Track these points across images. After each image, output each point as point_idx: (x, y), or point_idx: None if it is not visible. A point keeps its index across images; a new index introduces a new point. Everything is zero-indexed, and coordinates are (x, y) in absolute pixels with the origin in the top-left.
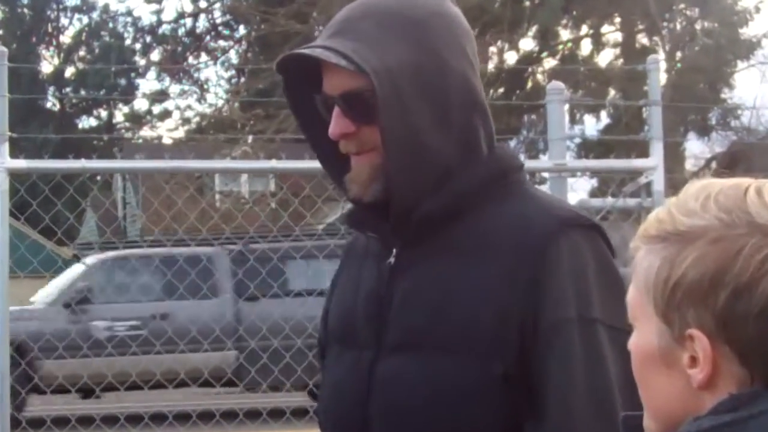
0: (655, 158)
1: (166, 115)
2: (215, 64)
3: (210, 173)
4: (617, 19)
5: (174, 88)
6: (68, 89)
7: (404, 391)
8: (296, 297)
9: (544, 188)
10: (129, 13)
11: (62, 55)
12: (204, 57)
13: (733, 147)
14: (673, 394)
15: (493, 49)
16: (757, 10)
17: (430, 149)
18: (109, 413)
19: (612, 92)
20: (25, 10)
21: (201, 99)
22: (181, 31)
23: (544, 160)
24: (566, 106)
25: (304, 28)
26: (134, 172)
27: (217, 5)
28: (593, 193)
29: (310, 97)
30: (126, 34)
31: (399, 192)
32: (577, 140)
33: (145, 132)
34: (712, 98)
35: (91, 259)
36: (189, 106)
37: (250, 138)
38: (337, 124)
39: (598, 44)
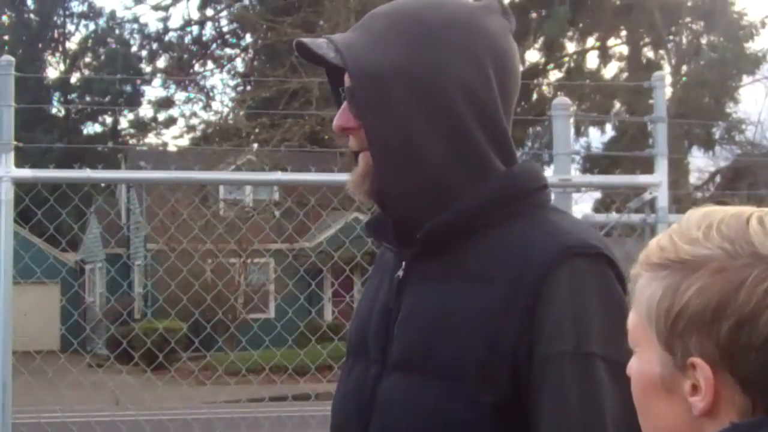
0: (660, 174)
1: (171, 122)
2: (221, 72)
3: (216, 184)
4: (623, 33)
5: (179, 96)
6: (74, 95)
7: (398, 414)
8: None
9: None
10: (135, 20)
11: (68, 61)
12: (210, 65)
13: (738, 161)
14: (674, 422)
15: None
16: (763, 25)
17: (420, 154)
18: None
19: (617, 105)
20: (32, 16)
21: (206, 107)
22: (187, 39)
23: (549, 175)
24: (571, 119)
25: (310, 37)
26: (140, 182)
27: (224, 13)
28: (597, 208)
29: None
30: (132, 41)
31: (390, 193)
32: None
33: (150, 139)
34: (717, 112)
35: None
36: (194, 114)
37: (255, 146)
38: (339, 117)
39: (604, 57)
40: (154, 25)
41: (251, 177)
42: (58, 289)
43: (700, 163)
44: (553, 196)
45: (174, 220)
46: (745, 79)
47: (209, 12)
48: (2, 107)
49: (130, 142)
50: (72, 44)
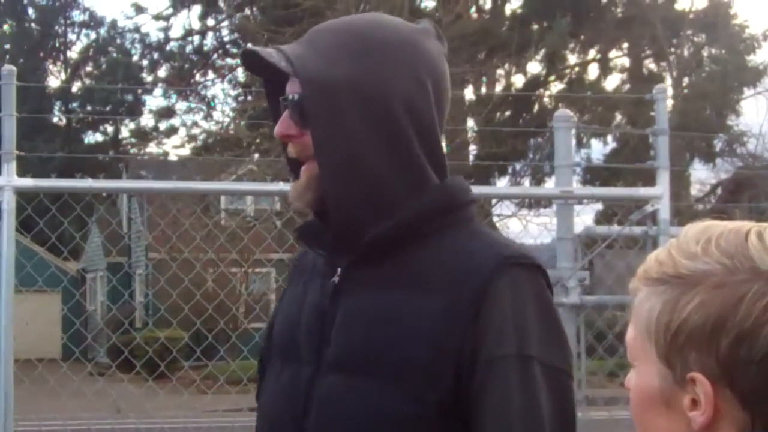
0: (661, 187)
1: (172, 131)
2: (222, 81)
3: (219, 194)
4: (625, 45)
5: (180, 105)
6: (75, 105)
7: (340, 413)
8: None
9: (550, 213)
10: (137, 29)
11: (69, 70)
12: (211, 75)
13: (739, 174)
14: None
15: (500, 72)
16: (765, 37)
17: (365, 165)
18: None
19: (618, 117)
20: (33, 25)
21: (207, 116)
22: (188, 49)
23: (550, 187)
24: (572, 131)
25: None
26: (142, 192)
27: (225, 23)
28: (598, 220)
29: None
30: (133, 51)
31: (334, 202)
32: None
33: (151, 148)
34: (719, 125)
35: None
36: (195, 124)
37: (256, 156)
38: (281, 125)
39: (606, 69)
40: (155, 35)
41: (254, 187)
42: (59, 297)
43: (702, 175)
44: (555, 208)
45: (175, 230)
46: (747, 91)
47: (210, 22)
48: (4, 116)
49: (131, 151)
50: (73, 53)
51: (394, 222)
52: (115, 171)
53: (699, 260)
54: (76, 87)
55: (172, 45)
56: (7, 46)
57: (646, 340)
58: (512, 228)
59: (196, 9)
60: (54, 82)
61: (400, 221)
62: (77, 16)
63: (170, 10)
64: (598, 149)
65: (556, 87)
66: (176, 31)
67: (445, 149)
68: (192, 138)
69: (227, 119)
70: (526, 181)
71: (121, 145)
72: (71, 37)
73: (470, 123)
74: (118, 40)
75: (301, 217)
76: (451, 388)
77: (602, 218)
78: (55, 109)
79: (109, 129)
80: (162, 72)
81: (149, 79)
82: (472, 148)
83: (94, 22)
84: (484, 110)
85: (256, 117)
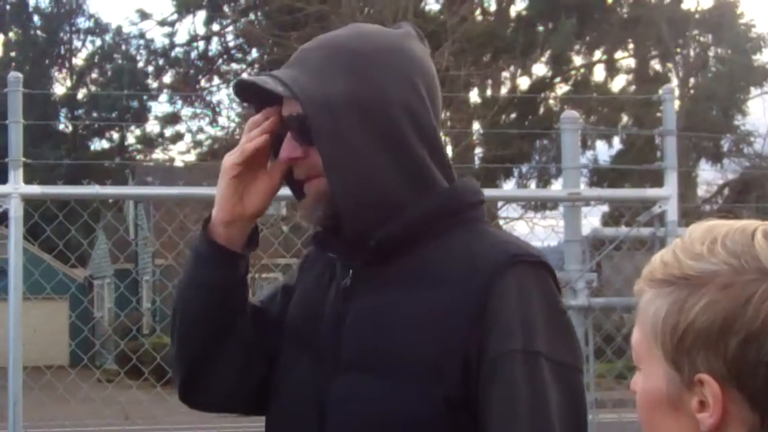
0: (669, 188)
1: (178, 137)
2: (227, 87)
3: None
4: (630, 45)
5: (186, 111)
6: (80, 111)
7: (356, 413)
8: None
9: (557, 215)
10: (142, 35)
11: (75, 77)
12: (216, 80)
13: (746, 174)
14: None
15: (505, 74)
16: None
17: (373, 174)
18: None
19: (625, 118)
20: (38, 32)
21: (213, 122)
22: (193, 54)
23: (558, 189)
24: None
25: None
26: (149, 199)
27: (230, 29)
28: (605, 221)
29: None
30: (138, 57)
31: (347, 216)
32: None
33: (157, 155)
34: (725, 125)
35: None
36: (201, 129)
37: None
38: (285, 148)
39: (611, 70)
40: (160, 41)
41: None
42: (67, 305)
43: (709, 175)
44: (562, 210)
45: (182, 236)
46: (753, 91)
47: (215, 27)
48: (11, 124)
49: (137, 157)
50: (78, 60)
51: (402, 223)
52: (122, 178)
53: (705, 261)
54: (81, 94)
55: (177, 51)
56: (13, 54)
57: (653, 343)
58: (519, 231)
59: (201, 14)
60: (59, 89)
61: (407, 222)
62: (82, 23)
63: (175, 16)
64: (604, 152)
65: (561, 89)
66: (181, 37)
67: (450, 152)
68: (198, 144)
69: (233, 125)
70: (532, 184)
71: (126, 152)
72: (76, 44)
73: (476, 125)
74: (124, 47)
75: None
76: (459, 385)
77: (610, 220)
78: (61, 116)
79: (115, 135)
80: (167, 78)
81: (154, 85)
82: (478, 151)
83: (99, 28)
84: (490, 113)
85: None
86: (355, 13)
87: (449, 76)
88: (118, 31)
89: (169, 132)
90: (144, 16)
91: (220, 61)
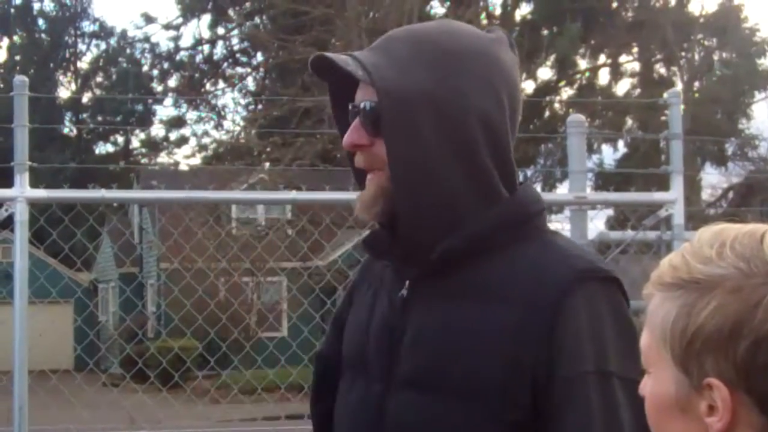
0: (675, 191)
1: (182, 141)
2: (232, 91)
3: (231, 203)
4: (635, 49)
5: (191, 115)
6: (85, 115)
7: (415, 431)
8: None
9: (563, 219)
10: (146, 39)
11: (79, 81)
12: (221, 84)
13: (751, 178)
14: None
15: None
16: None
17: (438, 177)
18: None
19: (629, 122)
20: (43, 36)
21: (218, 126)
22: (198, 58)
23: (564, 193)
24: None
25: None
26: (154, 203)
27: (235, 32)
28: (611, 224)
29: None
30: (143, 61)
31: (405, 216)
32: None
33: (162, 158)
34: (730, 129)
35: None
36: (206, 133)
37: (267, 165)
38: (350, 134)
39: (616, 74)
40: (165, 45)
41: (267, 196)
42: (71, 308)
43: (713, 179)
44: (568, 213)
45: (188, 240)
46: (758, 95)
47: (220, 31)
48: (17, 127)
49: (142, 161)
50: (83, 64)
51: (465, 235)
52: (126, 182)
53: (714, 264)
54: (86, 97)
55: (182, 54)
56: (18, 57)
57: (662, 346)
58: None
59: (206, 18)
60: (64, 92)
61: (471, 234)
62: (87, 26)
63: (180, 20)
64: (608, 155)
65: (566, 92)
66: (186, 41)
67: None
68: (203, 147)
69: (238, 128)
70: (537, 187)
71: (131, 156)
72: (81, 47)
73: None
74: (128, 50)
75: (312, 225)
76: (528, 407)
77: (615, 223)
78: (66, 119)
79: (120, 139)
80: (172, 82)
81: (159, 89)
82: None
83: (104, 32)
84: None
85: (267, 126)
86: (359, 17)
87: None
88: (123, 34)
89: (174, 136)
90: (149, 19)
91: (225, 64)
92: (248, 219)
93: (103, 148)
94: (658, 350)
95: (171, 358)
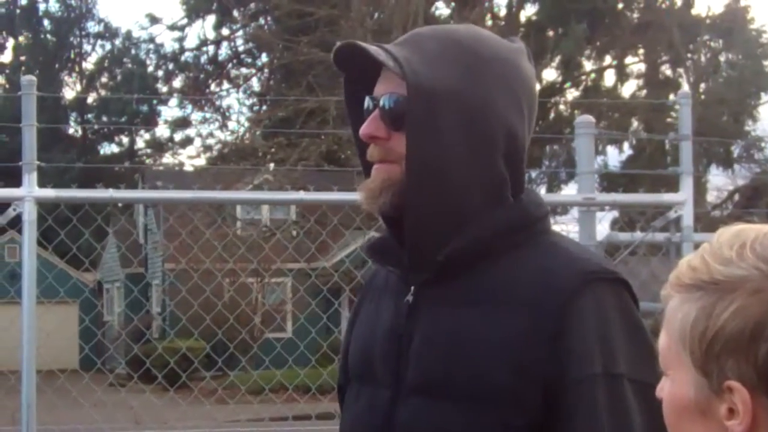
0: (685, 193)
1: (187, 142)
2: (237, 91)
3: (239, 204)
4: (641, 50)
5: (196, 116)
6: (90, 115)
7: None
8: None
9: (570, 220)
10: (151, 40)
11: (85, 81)
12: (226, 84)
13: (757, 179)
14: None
15: None
16: None
17: (453, 177)
18: None
19: (635, 123)
20: (48, 37)
21: (223, 126)
22: (203, 59)
23: (573, 194)
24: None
25: (326, 57)
26: (162, 202)
27: (240, 33)
28: (620, 226)
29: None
30: (148, 61)
31: (412, 212)
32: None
33: (167, 159)
34: (736, 130)
35: None
36: (211, 134)
37: (271, 166)
38: (369, 125)
39: (622, 75)
40: (170, 45)
41: (273, 196)
42: (77, 308)
43: (719, 181)
44: (576, 215)
45: (193, 240)
46: (764, 96)
47: (225, 32)
48: (24, 127)
49: (147, 162)
50: (88, 64)
51: (471, 239)
52: (131, 182)
53: (734, 265)
54: (91, 98)
55: (187, 55)
56: (23, 58)
57: (681, 348)
58: None
59: (211, 19)
60: (69, 93)
61: (476, 238)
62: (92, 27)
63: (185, 21)
64: (614, 156)
65: (572, 94)
66: (191, 41)
67: None
68: (207, 148)
69: (242, 129)
70: (543, 189)
71: (136, 156)
72: (86, 48)
73: None
74: (133, 51)
75: (320, 226)
76: (537, 411)
77: (624, 225)
78: (71, 120)
79: (125, 140)
80: (177, 82)
81: (164, 89)
82: None
83: (109, 33)
84: None
85: (272, 126)
86: (364, 18)
87: None
88: (128, 35)
89: (178, 136)
90: (154, 20)
91: (230, 65)
92: (252, 220)
93: (108, 149)
94: (677, 352)
95: (177, 358)
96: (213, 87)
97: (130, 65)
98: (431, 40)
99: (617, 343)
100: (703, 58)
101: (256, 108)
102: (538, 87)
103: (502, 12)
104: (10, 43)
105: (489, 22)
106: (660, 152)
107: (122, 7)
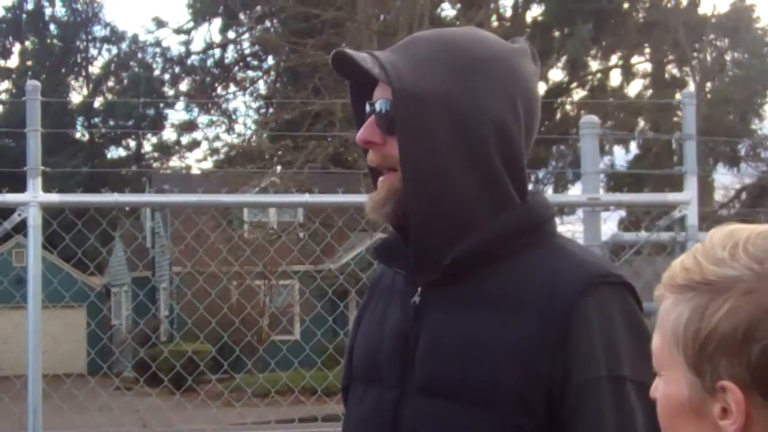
0: (690, 192)
1: (194, 145)
2: (244, 94)
3: (245, 207)
4: (647, 50)
5: (202, 119)
6: (97, 120)
7: None
8: None
9: (576, 220)
10: (158, 43)
11: (91, 85)
12: (232, 87)
13: (763, 178)
14: None
15: None
16: None
17: (449, 180)
18: None
19: (641, 123)
20: (55, 41)
21: (229, 130)
22: (209, 62)
23: (578, 194)
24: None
25: None
26: (167, 206)
27: (246, 36)
28: (624, 225)
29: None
30: (155, 65)
31: (414, 219)
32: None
33: (174, 162)
34: (742, 129)
35: None
36: (217, 137)
37: (278, 168)
38: (364, 130)
39: (628, 75)
40: (176, 49)
41: (280, 199)
42: (84, 312)
43: (726, 180)
44: (582, 215)
45: (200, 243)
46: None
47: (231, 35)
48: (29, 132)
49: (154, 165)
50: (95, 69)
51: (477, 241)
52: (138, 186)
53: (727, 266)
54: (98, 102)
55: (194, 59)
56: (29, 63)
57: (674, 349)
58: None
59: (217, 22)
60: (76, 97)
61: (482, 240)
62: (99, 31)
63: (191, 24)
64: (620, 156)
65: (578, 94)
66: (197, 45)
67: None
68: (214, 151)
69: (249, 132)
70: (549, 189)
71: (143, 160)
72: (93, 52)
73: None
74: (140, 55)
75: (323, 228)
76: (543, 414)
77: (630, 225)
78: (78, 124)
79: (132, 144)
80: (183, 86)
81: (171, 93)
82: None
83: (115, 37)
84: None
85: (278, 129)
86: (370, 20)
87: None
88: (135, 39)
89: (185, 140)
90: (160, 24)
91: (236, 68)
92: (260, 222)
93: (114, 153)
94: (670, 353)
95: (184, 361)
96: (219, 90)
97: (136, 69)
98: (424, 44)
99: (622, 346)
100: (708, 58)
101: (262, 111)
102: (544, 87)
103: (508, 13)
104: (17, 47)
105: (495, 23)
106: (666, 152)
107: (128, 11)
